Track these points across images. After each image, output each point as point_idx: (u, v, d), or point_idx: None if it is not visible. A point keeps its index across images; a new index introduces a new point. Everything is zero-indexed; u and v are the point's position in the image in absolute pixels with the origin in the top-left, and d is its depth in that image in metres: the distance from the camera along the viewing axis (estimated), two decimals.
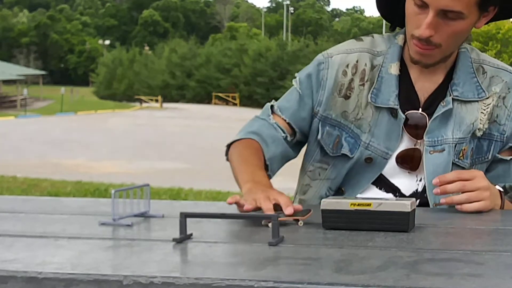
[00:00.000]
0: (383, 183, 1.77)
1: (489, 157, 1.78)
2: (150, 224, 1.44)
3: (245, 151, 1.78)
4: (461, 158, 1.75)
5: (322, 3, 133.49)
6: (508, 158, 1.79)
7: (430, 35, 1.64)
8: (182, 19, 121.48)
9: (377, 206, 1.34)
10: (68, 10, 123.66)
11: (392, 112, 1.74)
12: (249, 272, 1.02)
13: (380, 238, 1.27)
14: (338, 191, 1.81)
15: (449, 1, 1.59)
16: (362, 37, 1.86)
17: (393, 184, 1.76)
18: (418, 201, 1.72)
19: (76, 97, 63.37)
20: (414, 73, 1.77)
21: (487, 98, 1.76)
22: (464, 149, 1.75)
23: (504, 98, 1.78)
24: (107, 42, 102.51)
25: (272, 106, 1.87)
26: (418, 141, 1.74)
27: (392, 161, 1.75)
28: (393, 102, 1.74)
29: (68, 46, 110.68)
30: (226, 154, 1.85)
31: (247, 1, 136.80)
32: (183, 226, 1.26)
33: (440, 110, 1.73)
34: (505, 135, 1.77)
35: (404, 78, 1.76)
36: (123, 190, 1.48)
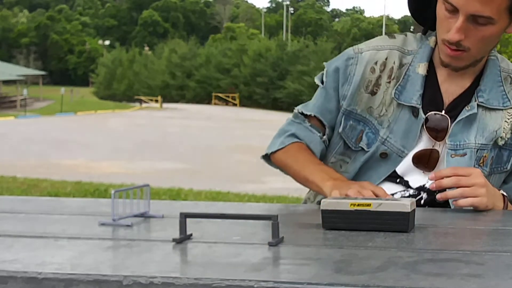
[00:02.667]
0: (396, 178, 1.77)
1: (508, 167, 1.79)
2: (150, 225, 1.44)
3: (299, 154, 1.82)
4: (481, 165, 1.75)
5: (322, 4, 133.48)
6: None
7: (460, 39, 1.65)
8: (182, 20, 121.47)
9: (377, 206, 1.34)
10: (68, 10, 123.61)
11: (414, 111, 1.75)
12: (249, 272, 1.02)
13: (380, 239, 1.27)
14: None
15: (479, 6, 1.60)
16: (395, 34, 1.87)
17: (403, 179, 1.76)
18: (426, 194, 1.73)
19: (76, 98, 63.36)
20: (441, 75, 1.77)
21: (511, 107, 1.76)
22: (485, 156, 1.75)
23: None
24: (107, 42, 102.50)
25: (302, 112, 1.87)
26: (438, 142, 1.75)
27: (407, 160, 1.75)
28: (416, 102, 1.75)
29: (68, 46, 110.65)
30: (268, 160, 1.89)
31: (247, 2, 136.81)
32: (183, 226, 1.26)
33: (464, 114, 1.73)
34: None
35: (430, 79, 1.77)
36: (123, 191, 1.48)
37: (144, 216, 1.52)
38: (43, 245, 1.26)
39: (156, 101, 58.04)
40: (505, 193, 1.69)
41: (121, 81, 71.87)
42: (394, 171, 1.77)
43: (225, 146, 19.78)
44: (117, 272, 1.01)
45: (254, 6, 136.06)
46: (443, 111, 1.75)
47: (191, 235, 1.28)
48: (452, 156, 1.73)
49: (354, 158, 1.82)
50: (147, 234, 1.36)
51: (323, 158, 1.88)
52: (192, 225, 1.31)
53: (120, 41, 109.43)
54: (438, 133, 1.74)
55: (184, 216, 1.26)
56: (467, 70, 1.75)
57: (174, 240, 1.24)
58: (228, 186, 10.05)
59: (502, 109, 1.76)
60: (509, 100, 1.77)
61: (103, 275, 1.00)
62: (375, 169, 1.78)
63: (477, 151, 1.74)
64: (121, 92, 70.20)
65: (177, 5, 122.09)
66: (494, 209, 1.61)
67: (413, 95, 1.75)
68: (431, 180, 1.58)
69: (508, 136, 1.77)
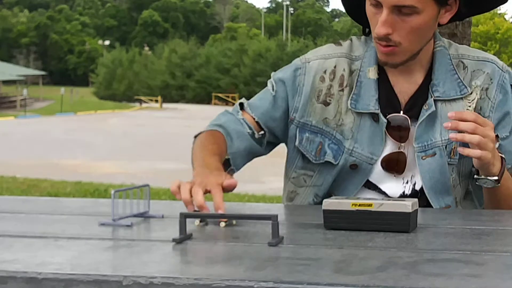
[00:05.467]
0: (371, 187, 1.76)
1: None
2: (150, 225, 1.44)
3: (206, 140, 1.78)
4: (453, 157, 1.73)
5: (321, 4, 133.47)
6: (497, 145, 1.71)
7: (387, 32, 1.62)
8: (182, 20, 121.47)
9: (378, 206, 1.34)
10: (68, 10, 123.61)
11: (374, 116, 1.72)
12: (249, 272, 1.02)
13: (380, 239, 1.27)
14: (328, 197, 1.79)
15: None
16: (341, 41, 1.84)
17: (380, 189, 1.75)
18: None
19: (75, 98, 63.35)
20: (392, 76, 1.74)
21: (470, 93, 1.74)
22: (454, 147, 1.73)
23: (487, 89, 1.75)
24: (107, 42, 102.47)
25: (242, 103, 1.86)
26: (402, 144, 1.72)
27: (378, 166, 1.74)
28: (374, 107, 1.72)
29: (67, 46, 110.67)
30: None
31: (246, 2, 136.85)
32: (182, 227, 1.26)
33: (424, 114, 1.71)
34: None
35: (383, 82, 1.74)
36: (123, 191, 1.48)
37: (144, 216, 1.52)
38: (43, 245, 1.26)
39: (156, 101, 58.07)
40: (503, 156, 1.66)
41: (121, 81, 71.89)
42: (368, 181, 1.74)
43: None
44: (117, 272, 1.01)
45: (254, 6, 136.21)
46: (401, 112, 1.72)
47: (191, 235, 1.28)
48: (423, 158, 1.71)
49: (320, 171, 1.79)
50: (147, 234, 1.36)
51: (252, 155, 1.84)
52: (192, 225, 1.31)
53: (120, 41, 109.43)
54: (401, 135, 1.72)
55: (184, 216, 1.26)
56: (414, 66, 1.72)
57: (174, 240, 1.24)
58: None
59: (461, 98, 1.73)
60: (466, 87, 1.74)
61: (103, 275, 1.00)
62: (349, 180, 1.75)
63: (446, 147, 1.72)
64: (121, 92, 70.23)
65: (177, 5, 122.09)
66: (493, 165, 1.60)
67: (369, 101, 1.73)
68: (450, 118, 1.56)
69: None
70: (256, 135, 1.83)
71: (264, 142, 1.85)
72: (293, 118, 1.80)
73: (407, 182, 1.73)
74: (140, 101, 60.82)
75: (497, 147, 1.69)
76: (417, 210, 1.37)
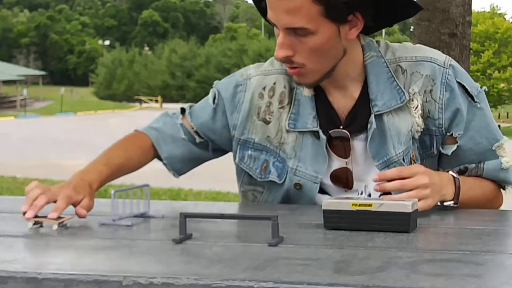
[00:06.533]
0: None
1: (435, 152, 1.70)
2: (150, 225, 1.44)
3: (121, 143, 1.80)
4: (413, 163, 1.68)
5: None
6: (455, 146, 1.69)
7: (286, 55, 1.57)
8: (182, 20, 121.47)
9: (378, 206, 1.34)
10: (68, 10, 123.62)
11: (314, 134, 1.69)
12: (249, 272, 1.02)
13: (380, 239, 1.27)
14: None
15: (288, 18, 1.53)
16: None
17: None
18: None
19: (75, 98, 63.39)
20: (328, 92, 1.70)
21: (412, 100, 1.66)
22: (413, 155, 1.68)
23: (431, 91, 1.66)
24: (107, 42, 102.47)
25: (184, 109, 1.86)
26: (346, 160, 1.69)
27: (327, 180, 1.70)
28: (312, 125, 1.69)
29: (67, 46, 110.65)
30: None
31: (246, 2, 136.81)
32: (183, 227, 1.26)
33: (369, 133, 1.66)
34: (443, 128, 1.67)
35: (321, 98, 1.70)
36: (123, 191, 1.48)
37: (144, 216, 1.52)
38: (43, 245, 1.26)
39: (156, 101, 58.08)
40: (454, 174, 1.61)
41: (121, 81, 71.90)
42: (325, 193, 1.71)
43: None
44: (117, 272, 1.01)
45: (254, 6, 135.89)
46: (341, 127, 1.68)
47: (191, 235, 1.28)
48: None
49: (269, 188, 1.76)
50: (147, 234, 1.36)
51: (196, 160, 1.86)
52: (192, 225, 1.31)
53: (120, 41, 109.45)
54: (344, 150, 1.68)
55: (184, 216, 1.26)
56: (346, 81, 1.66)
57: (174, 240, 1.24)
58: (228, 187, 10.03)
59: (405, 105, 1.66)
60: (404, 93, 1.65)
61: (103, 275, 1.00)
62: (297, 199, 1.72)
63: (403, 159, 1.66)
64: (121, 92, 70.24)
65: (177, 5, 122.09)
66: (445, 197, 1.56)
67: (307, 119, 1.69)
68: (375, 182, 1.53)
69: (423, 126, 1.67)
70: (197, 140, 1.83)
71: (209, 148, 1.85)
72: (233, 135, 1.79)
73: (361, 193, 1.69)
74: (140, 101, 60.84)
75: (454, 149, 1.68)
76: (417, 210, 1.37)
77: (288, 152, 1.72)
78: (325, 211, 1.37)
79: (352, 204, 1.36)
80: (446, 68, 1.67)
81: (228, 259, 1.12)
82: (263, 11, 1.66)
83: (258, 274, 1.00)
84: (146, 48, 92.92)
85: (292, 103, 1.72)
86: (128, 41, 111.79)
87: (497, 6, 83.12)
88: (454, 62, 1.70)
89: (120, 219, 1.45)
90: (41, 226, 1.44)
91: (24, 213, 1.44)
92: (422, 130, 1.67)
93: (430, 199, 1.51)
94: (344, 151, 1.68)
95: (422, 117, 1.67)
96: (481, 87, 1.72)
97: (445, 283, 0.96)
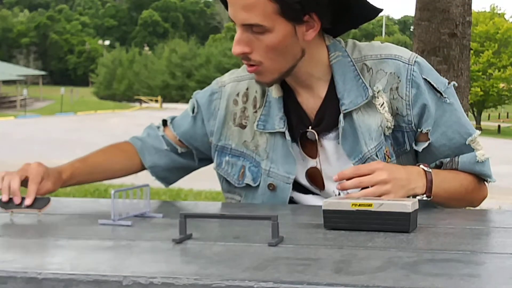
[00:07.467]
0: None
1: (408, 148, 1.70)
2: (150, 224, 1.44)
3: (104, 148, 1.88)
4: (388, 159, 1.68)
5: None
6: (426, 143, 1.68)
7: (242, 51, 1.59)
8: (182, 20, 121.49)
9: (378, 206, 1.34)
10: (68, 10, 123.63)
11: (283, 135, 1.71)
12: (249, 272, 1.02)
13: (380, 239, 1.27)
14: None
15: (244, 14, 1.55)
16: None
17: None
18: None
19: (76, 98, 63.38)
20: (296, 92, 1.71)
21: (377, 98, 1.66)
22: (386, 151, 1.68)
23: (397, 88, 1.66)
24: (107, 42, 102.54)
25: (165, 120, 1.91)
26: (315, 160, 1.70)
27: (304, 180, 1.71)
28: (279, 126, 1.70)
29: (67, 46, 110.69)
30: None
31: None
32: (183, 226, 1.26)
33: (340, 131, 1.66)
34: (412, 124, 1.67)
35: (290, 99, 1.72)
36: (123, 191, 1.49)
37: (144, 216, 1.52)
38: (43, 245, 1.26)
39: (156, 101, 58.10)
40: (425, 168, 1.61)
41: (121, 81, 71.93)
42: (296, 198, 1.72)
43: None
44: (117, 272, 1.01)
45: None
46: (310, 127, 1.69)
47: (191, 235, 1.28)
48: None
49: (245, 196, 1.78)
50: (147, 234, 1.36)
51: (181, 170, 1.92)
52: (192, 225, 1.31)
53: (120, 41, 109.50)
54: (312, 150, 1.69)
55: (184, 216, 1.26)
56: (311, 81, 1.67)
57: (174, 240, 1.24)
58: None
59: (371, 102, 1.66)
60: (368, 89, 1.65)
61: (103, 275, 1.00)
62: (273, 202, 1.73)
63: (376, 155, 1.67)
64: (121, 92, 70.27)
65: (177, 5, 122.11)
66: (414, 191, 1.56)
67: (275, 120, 1.71)
68: (335, 181, 1.54)
69: (393, 123, 1.67)
70: (179, 150, 1.88)
71: (195, 157, 1.89)
72: (211, 142, 1.82)
73: (338, 194, 1.69)
74: (140, 101, 60.85)
75: (425, 146, 1.67)
76: (417, 210, 1.37)
77: (261, 154, 1.74)
78: (325, 211, 1.37)
79: (352, 204, 1.36)
80: (411, 65, 1.67)
81: (228, 259, 1.12)
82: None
83: (258, 274, 1.00)
84: (146, 48, 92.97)
85: (263, 105, 1.74)
86: (128, 41, 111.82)
87: (497, 6, 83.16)
88: (420, 59, 1.70)
89: (120, 219, 1.45)
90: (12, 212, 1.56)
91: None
92: (393, 126, 1.68)
93: (392, 194, 1.51)
94: (314, 151, 1.70)
95: (391, 114, 1.67)
96: (449, 83, 1.71)
97: (445, 283, 0.96)
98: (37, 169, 1.66)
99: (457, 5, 3.53)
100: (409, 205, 1.33)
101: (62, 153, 17.86)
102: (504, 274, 1.03)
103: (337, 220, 1.36)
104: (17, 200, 1.59)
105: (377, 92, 1.67)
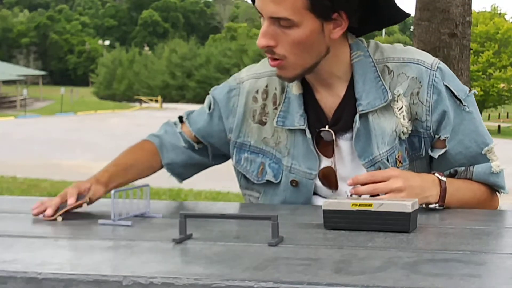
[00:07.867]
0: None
1: (423, 154, 1.69)
2: (150, 225, 1.44)
3: (128, 149, 1.87)
4: (400, 165, 1.67)
5: None
6: (443, 150, 1.67)
7: (267, 44, 1.58)
8: (182, 20, 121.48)
9: (378, 206, 1.34)
10: (68, 10, 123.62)
11: (303, 132, 1.70)
12: (249, 272, 1.02)
13: (380, 239, 1.27)
14: None
15: (273, 7, 1.54)
16: None
17: None
18: None
19: (76, 98, 63.37)
20: (316, 90, 1.70)
21: (396, 101, 1.65)
22: (399, 156, 1.67)
23: (418, 93, 1.65)
24: (107, 42, 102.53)
25: (181, 117, 1.90)
26: (331, 159, 1.69)
27: (315, 184, 1.71)
28: (299, 123, 1.69)
29: (67, 46, 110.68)
30: None
31: (246, 2, 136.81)
32: (183, 226, 1.26)
33: (354, 131, 1.66)
34: (431, 130, 1.66)
35: (309, 97, 1.71)
36: (123, 191, 1.49)
37: (144, 216, 1.52)
38: (43, 245, 1.26)
39: (156, 101, 58.11)
40: (440, 176, 1.60)
41: (121, 81, 71.93)
42: (318, 196, 1.72)
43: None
44: (117, 272, 1.01)
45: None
46: (327, 126, 1.68)
47: (191, 235, 1.28)
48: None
49: (265, 193, 1.77)
50: (147, 234, 1.36)
51: (197, 166, 1.91)
52: (192, 225, 1.31)
53: (120, 41, 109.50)
54: (327, 149, 1.68)
55: (184, 216, 1.26)
56: (332, 79, 1.67)
57: (174, 240, 1.24)
58: (228, 187, 10.04)
59: (389, 105, 1.65)
60: (388, 93, 1.65)
61: (103, 275, 1.00)
62: (295, 199, 1.72)
63: (387, 159, 1.66)
64: (121, 92, 70.28)
65: (177, 5, 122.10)
66: (428, 200, 1.55)
67: (295, 117, 1.70)
68: (349, 185, 1.54)
69: (410, 128, 1.66)
70: (197, 147, 1.87)
71: (209, 154, 1.88)
72: (229, 139, 1.81)
73: (350, 195, 1.69)
74: (140, 101, 60.85)
75: (441, 153, 1.67)
76: (417, 210, 1.37)
77: (282, 150, 1.73)
78: (325, 211, 1.37)
79: (352, 204, 1.36)
80: (434, 71, 1.66)
81: (228, 259, 1.12)
82: None
83: (258, 274, 1.00)
84: (146, 48, 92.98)
85: (283, 102, 1.73)
86: (128, 41, 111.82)
87: (497, 6, 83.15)
88: (442, 65, 1.69)
89: (120, 219, 1.45)
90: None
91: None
92: (410, 131, 1.67)
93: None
94: (330, 151, 1.69)
95: (410, 119, 1.66)
96: (469, 91, 1.71)
97: (445, 283, 0.96)
98: (73, 186, 1.63)
99: (457, 5, 3.53)
100: (409, 205, 1.33)
101: (62, 153, 17.90)
102: (504, 274, 1.03)
103: (337, 220, 1.36)
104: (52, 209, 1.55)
105: (398, 96, 1.66)
